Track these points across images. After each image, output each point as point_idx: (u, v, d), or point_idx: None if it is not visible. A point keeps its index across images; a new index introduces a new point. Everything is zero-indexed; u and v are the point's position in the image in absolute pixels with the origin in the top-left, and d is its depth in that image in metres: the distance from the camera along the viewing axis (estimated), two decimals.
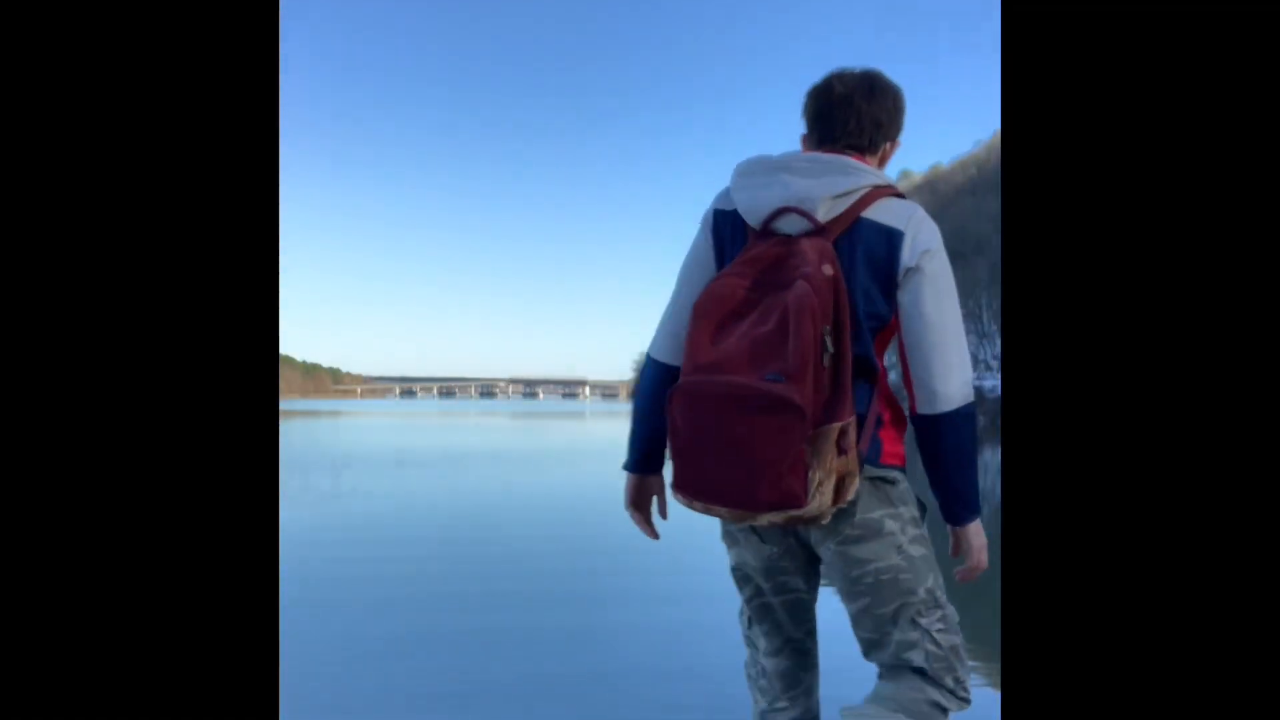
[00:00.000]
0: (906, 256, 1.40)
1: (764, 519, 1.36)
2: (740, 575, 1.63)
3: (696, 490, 1.38)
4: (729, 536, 1.61)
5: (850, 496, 1.38)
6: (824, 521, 1.40)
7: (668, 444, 1.43)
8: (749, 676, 1.70)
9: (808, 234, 1.40)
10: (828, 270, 1.34)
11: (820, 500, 1.33)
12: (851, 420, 1.35)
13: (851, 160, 1.46)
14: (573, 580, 4.91)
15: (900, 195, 1.47)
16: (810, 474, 1.30)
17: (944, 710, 1.48)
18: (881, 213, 1.42)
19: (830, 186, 1.41)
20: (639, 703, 2.88)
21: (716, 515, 1.41)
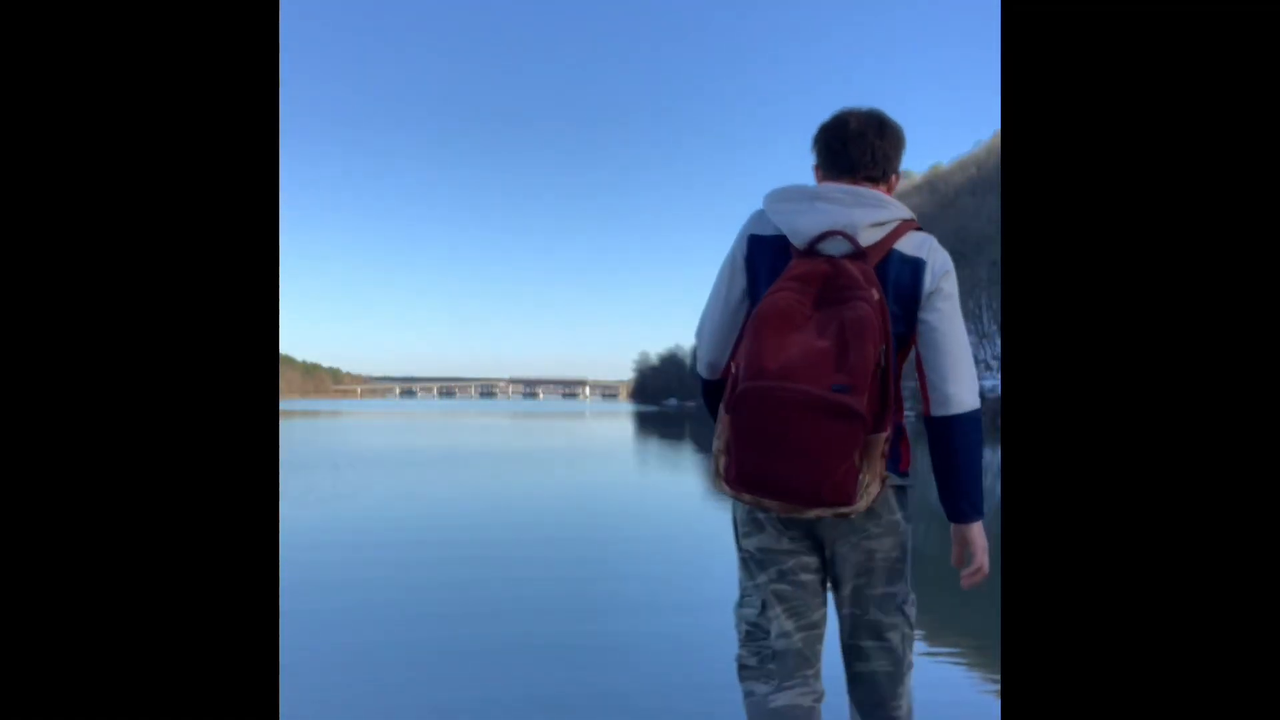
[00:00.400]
0: (929, 281, 1.60)
1: (812, 513, 1.53)
2: (756, 561, 1.73)
3: (756, 484, 1.53)
4: (752, 524, 1.72)
5: (878, 497, 1.55)
6: (853, 518, 1.58)
7: (725, 440, 1.56)
8: (746, 668, 1.76)
9: (849, 256, 1.58)
10: (875, 294, 1.52)
11: (865, 500, 1.50)
12: (890, 430, 1.53)
13: (881, 194, 1.65)
14: (577, 587, 4.89)
15: (919, 228, 1.67)
16: (860, 477, 1.48)
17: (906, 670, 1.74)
18: (908, 244, 1.62)
19: (868, 216, 1.59)
20: (648, 714, 2.86)
21: (765, 508, 1.58)
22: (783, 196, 1.65)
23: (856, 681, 1.72)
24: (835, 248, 1.58)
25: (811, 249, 1.59)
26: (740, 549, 1.76)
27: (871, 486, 1.50)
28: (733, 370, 1.57)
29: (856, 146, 1.67)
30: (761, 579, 1.72)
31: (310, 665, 3.27)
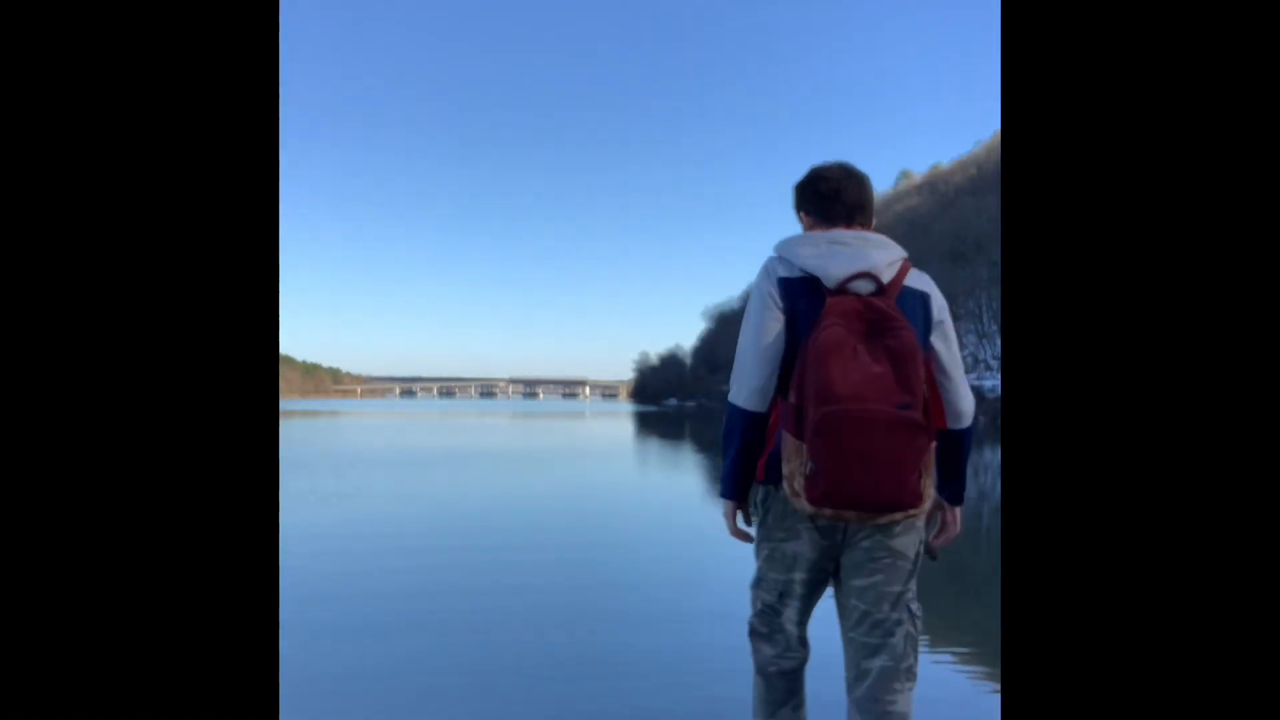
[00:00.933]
0: (936, 312, 1.85)
1: (884, 518, 1.72)
2: (787, 561, 1.89)
3: (842, 499, 1.67)
4: (789, 530, 1.87)
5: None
6: (882, 521, 1.74)
7: (802, 462, 1.70)
8: (757, 633, 1.94)
9: (873, 294, 1.78)
10: (906, 324, 1.72)
11: (928, 502, 1.71)
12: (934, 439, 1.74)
13: (884, 238, 1.85)
14: (576, 594, 4.86)
15: (912, 265, 1.89)
16: (922, 480, 1.69)
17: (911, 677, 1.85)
18: (914, 280, 1.85)
19: (884, 256, 1.81)
20: None
21: (843, 519, 1.74)
22: (805, 242, 1.85)
23: (858, 678, 1.83)
24: (862, 286, 1.79)
25: (842, 288, 1.78)
26: (770, 544, 1.90)
27: (929, 489, 1.72)
28: (793, 400, 1.73)
29: (848, 198, 1.91)
30: (785, 577, 1.90)
31: (308, 667, 3.27)
